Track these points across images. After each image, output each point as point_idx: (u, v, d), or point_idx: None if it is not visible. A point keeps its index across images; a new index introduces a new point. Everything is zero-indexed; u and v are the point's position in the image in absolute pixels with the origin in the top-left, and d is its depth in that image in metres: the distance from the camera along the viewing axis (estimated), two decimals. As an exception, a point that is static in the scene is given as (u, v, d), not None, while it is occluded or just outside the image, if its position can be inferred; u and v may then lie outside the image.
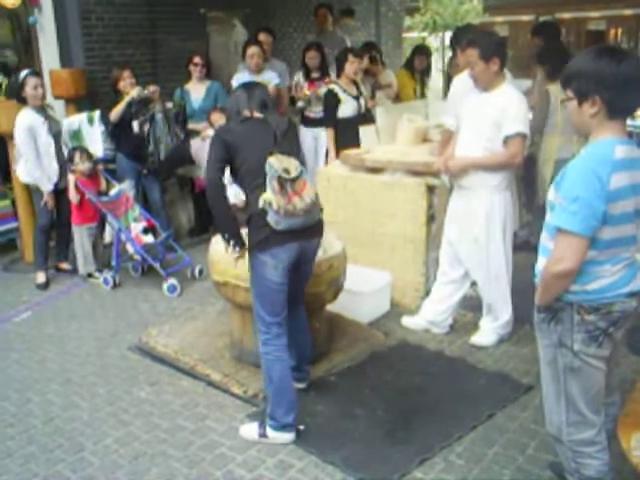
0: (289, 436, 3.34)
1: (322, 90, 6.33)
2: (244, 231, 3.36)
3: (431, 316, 4.43)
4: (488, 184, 3.96)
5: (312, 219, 3.23)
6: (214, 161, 3.28)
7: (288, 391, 3.33)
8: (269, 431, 3.33)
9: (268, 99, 3.50)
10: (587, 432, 2.50)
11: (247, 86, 3.54)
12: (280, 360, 3.31)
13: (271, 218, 3.11)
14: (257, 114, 3.37)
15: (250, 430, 3.40)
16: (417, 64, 7.43)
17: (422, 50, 7.75)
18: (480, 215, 4.02)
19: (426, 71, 7.59)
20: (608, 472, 2.54)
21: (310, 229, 3.27)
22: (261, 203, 3.12)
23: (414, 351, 4.24)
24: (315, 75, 6.63)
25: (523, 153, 3.96)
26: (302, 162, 3.38)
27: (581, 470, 2.53)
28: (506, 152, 3.88)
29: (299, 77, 6.76)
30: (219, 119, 5.76)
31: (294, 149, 3.40)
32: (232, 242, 3.34)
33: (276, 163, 3.10)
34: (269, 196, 3.09)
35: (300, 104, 6.70)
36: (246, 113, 3.37)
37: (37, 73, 5.60)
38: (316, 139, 6.62)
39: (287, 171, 3.10)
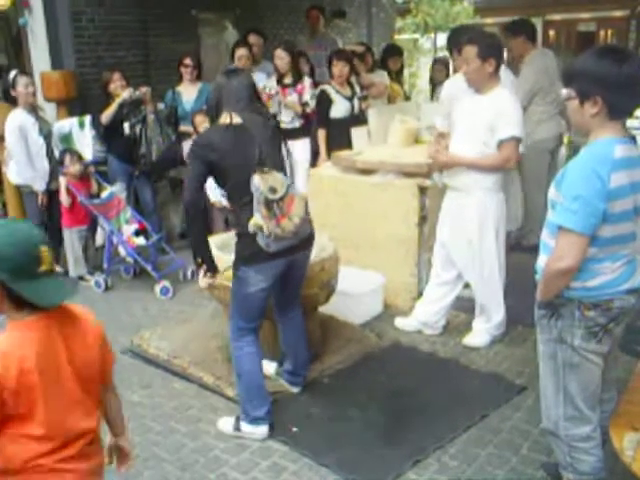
0: (262, 430, 3.36)
1: (292, 97, 6.00)
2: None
3: (424, 317, 4.43)
4: (481, 186, 3.96)
5: (301, 236, 3.21)
6: (192, 180, 3.19)
7: (257, 385, 3.36)
8: (242, 425, 3.39)
9: (251, 91, 3.30)
10: (583, 427, 2.53)
11: (229, 76, 3.30)
12: (248, 354, 3.35)
13: (261, 241, 3.09)
14: (236, 119, 3.19)
15: (227, 423, 3.46)
16: (391, 65, 7.30)
17: (395, 50, 7.67)
18: (473, 217, 4.02)
19: (400, 71, 7.54)
20: (602, 469, 2.57)
21: (300, 244, 3.25)
22: (251, 229, 3.08)
23: (407, 352, 4.24)
24: (287, 81, 6.09)
25: (517, 157, 3.96)
26: (285, 169, 3.32)
27: (576, 465, 2.55)
28: (499, 155, 3.87)
29: (270, 82, 6.17)
30: (204, 122, 5.68)
31: (279, 158, 3.29)
32: (205, 266, 3.29)
33: (262, 184, 3.00)
34: (259, 222, 3.05)
35: (272, 110, 5.98)
36: (226, 120, 3.20)
37: (25, 73, 5.58)
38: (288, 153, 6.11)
39: (274, 190, 3.02)
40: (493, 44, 3.89)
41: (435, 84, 7.38)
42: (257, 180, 3.01)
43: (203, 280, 3.32)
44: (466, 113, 4.00)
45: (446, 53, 6.52)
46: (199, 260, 3.30)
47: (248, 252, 3.18)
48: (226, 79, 3.28)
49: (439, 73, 7.42)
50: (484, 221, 4.02)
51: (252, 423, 3.36)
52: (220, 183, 3.27)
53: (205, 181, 3.24)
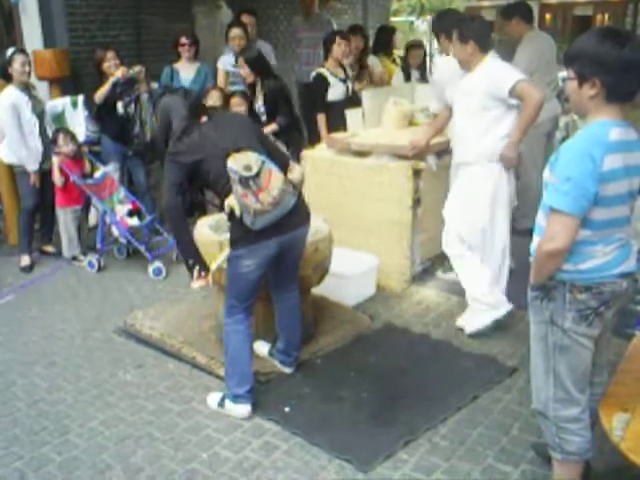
0: (242, 409, 3.39)
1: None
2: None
3: (491, 299, 4.17)
4: (495, 157, 3.98)
5: (286, 208, 3.17)
6: (171, 185, 3.27)
7: (242, 363, 3.39)
8: (226, 402, 3.44)
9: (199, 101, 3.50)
10: (572, 409, 2.54)
11: (177, 92, 3.55)
12: (236, 332, 3.38)
13: (247, 220, 3.11)
14: (203, 118, 3.35)
15: (214, 398, 3.51)
16: (396, 44, 7.26)
17: (393, 30, 7.58)
18: (486, 189, 4.04)
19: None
20: (589, 449, 2.59)
21: (290, 219, 3.23)
22: (226, 210, 3.17)
23: (399, 334, 4.25)
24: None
25: (540, 93, 3.90)
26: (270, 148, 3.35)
27: (563, 445, 2.57)
28: (526, 99, 3.82)
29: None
30: (219, 99, 5.56)
31: (254, 139, 3.31)
32: (197, 268, 3.32)
33: (235, 164, 3.04)
34: (231, 203, 3.13)
35: None
36: (191, 120, 3.34)
37: (24, 51, 5.54)
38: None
39: (248, 168, 3.03)
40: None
41: (410, 69, 7.04)
42: (231, 162, 3.05)
43: (197, 282, 3.35)
44: (461, 92, 4.04)
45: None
46: (190, 262, 3.34)
47: (237, 234, 3.22)
48: (181, 95, 3.57)
49: (415, 59, 7.10)
50: (497, 195, 4.04)
51: (233, 401, 3.40)
52: (202, 178, 3.32)
53: (183, 185, 3.29)
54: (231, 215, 3.21)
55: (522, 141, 4.01)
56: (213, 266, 3.37)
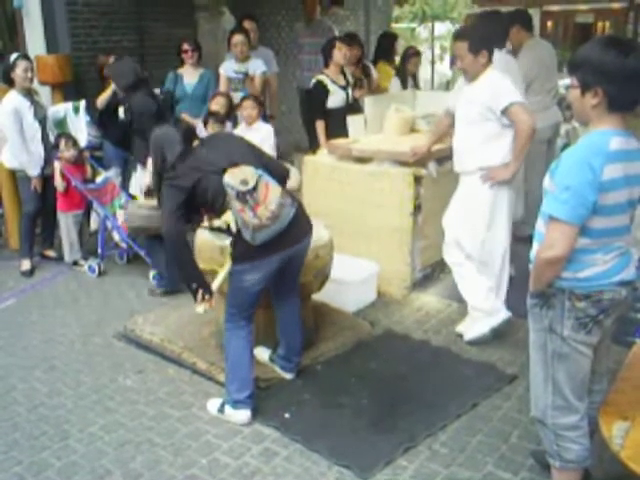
0: (242, 415, 3.39)
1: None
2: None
3: (487, 305, 4.18)
4: (494, 163, 3.96)
5: (284, 222, 3.16)
6: (171, 213, 3.20)
7: (242, 368, 3.39)
8: (226, 407, 3.43)
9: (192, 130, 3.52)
10: (570, 417, 2.54)
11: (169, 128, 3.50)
12: (237, 337, 3.39)
13: (245, 235, 3.11)
14: (196, 142, 3.37)
15: (214, 404, 3.51)
16: (398, 50, 7.26)
17: (395, 36, 7.60)
18: (486, 199, 4.02)
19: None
20: (588, 457, 2.59)
21: (291, 232, 3.22)
22: (223, 225, 3.18)
23: (400, 340, 4.25)
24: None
25: (532, 119, 3.87)
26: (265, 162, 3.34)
27: (562, 453, 2.57)
28: (518, 124, 3.83)
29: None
30: (254, 109, 5.43)
31: (250, 155, 3.30)
32: (201, 291, 3.28)
33: (232, 180, 3.04)
34: (227, 219, 3.14)
35: None
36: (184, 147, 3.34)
37: (28, 57, 5.56)
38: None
39: (245, 182, 3.02)
40: (483, 36, 3.94)
41: (406, 76, 6.96)
42: (227, 177, 3.05)
43: (200, 306, 3.31)
44: (464, 101, 4.03)
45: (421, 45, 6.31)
46: (194, 286, 3.30)
47: (240, 250, 3.22)
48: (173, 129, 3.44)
49: (414, 66, 7.06)
50: (497, 204, 4.03)
51: (233, 406, 3.40)
52: (200, 200, 3.27)
53: (184, 210, 3.22)
54: (229, 231, 3.21)
55: (519, 168, 4.03)
56: (214, 286, 3.33)
